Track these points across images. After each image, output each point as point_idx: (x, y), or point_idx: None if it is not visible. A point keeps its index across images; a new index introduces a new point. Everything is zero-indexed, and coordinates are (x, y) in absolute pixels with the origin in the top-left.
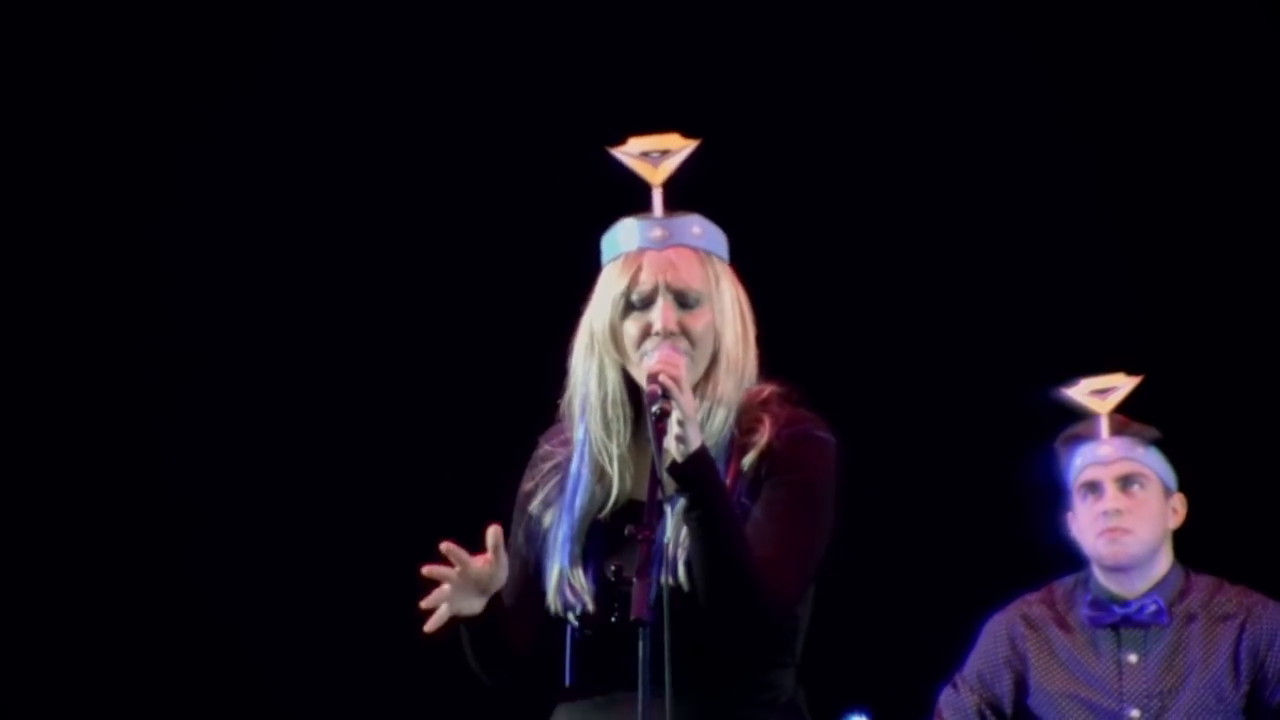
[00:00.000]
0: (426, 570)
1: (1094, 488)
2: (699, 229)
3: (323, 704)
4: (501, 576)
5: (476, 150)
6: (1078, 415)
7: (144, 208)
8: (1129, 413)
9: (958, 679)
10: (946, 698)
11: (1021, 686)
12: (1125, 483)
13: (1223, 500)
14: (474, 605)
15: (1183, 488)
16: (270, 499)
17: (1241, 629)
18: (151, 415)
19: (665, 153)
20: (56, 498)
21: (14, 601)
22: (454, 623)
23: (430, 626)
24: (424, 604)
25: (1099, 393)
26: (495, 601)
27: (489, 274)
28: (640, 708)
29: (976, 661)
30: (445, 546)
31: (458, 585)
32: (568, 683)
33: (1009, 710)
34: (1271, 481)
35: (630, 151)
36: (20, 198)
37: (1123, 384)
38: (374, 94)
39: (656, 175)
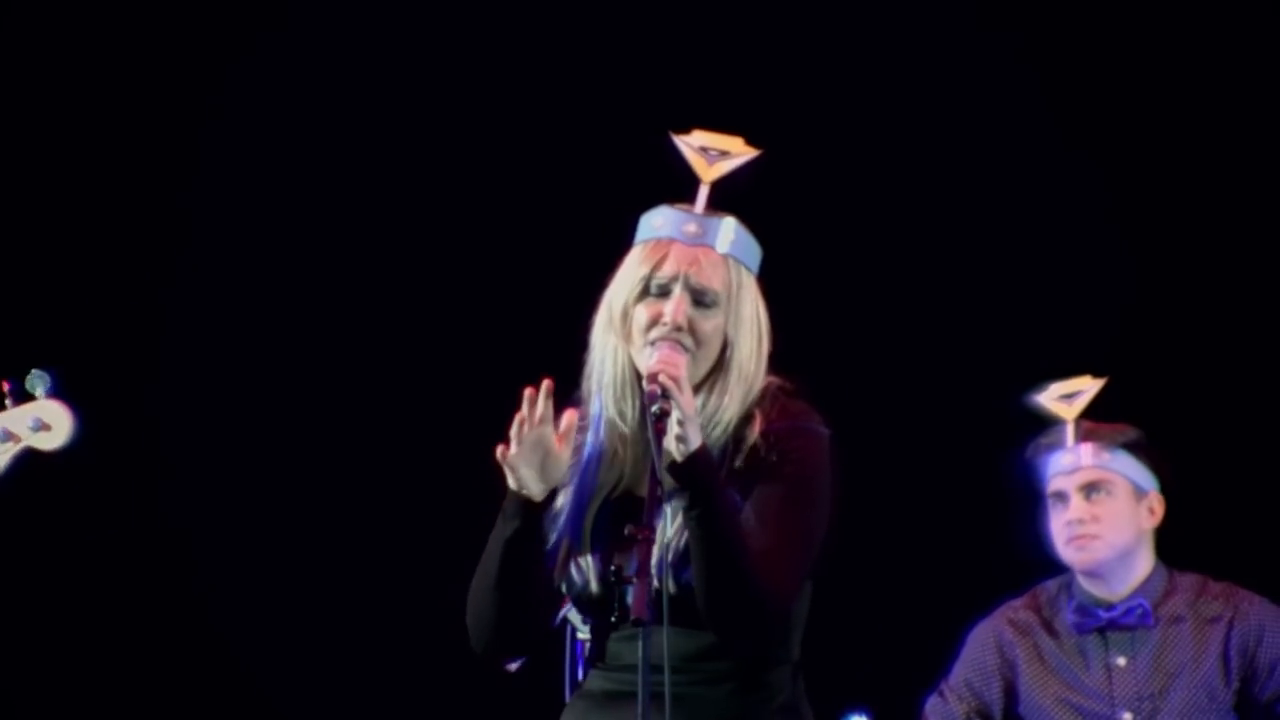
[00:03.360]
0: (528, 391)
1: (1061, 497)
2: (733, 235)
3: (323, 706)
4: (562, 467)
5: (525, 130)
6: (1051, 421)
7: (146, 200)
8: (1114, 413)
9: (944, 688)
10: (934, 706)
11: (1011, 694)
12: (1089, 491)
13: (1206, 498)
14: (533, 479)
15: (1164, 486)
16: (272, 500)
17: (1230, 627)
18: (151, 414)
19: (724, 153)
20: (56, 502)
21: (14, 604)
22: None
23: (502, 451)
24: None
25: (1066, 398)
26: (548, 502)
27: (516, 254)
28: (640, 708)
29: (965, 670)
30: (546, 384)
31: (533, 439)
32: (569, 681)
33: (998, 718)
34: (1256, 479)
35: (690, 143)
36: (20, 197)
37: (1088, 387)
38: (406, 78)
39: (709, 173)
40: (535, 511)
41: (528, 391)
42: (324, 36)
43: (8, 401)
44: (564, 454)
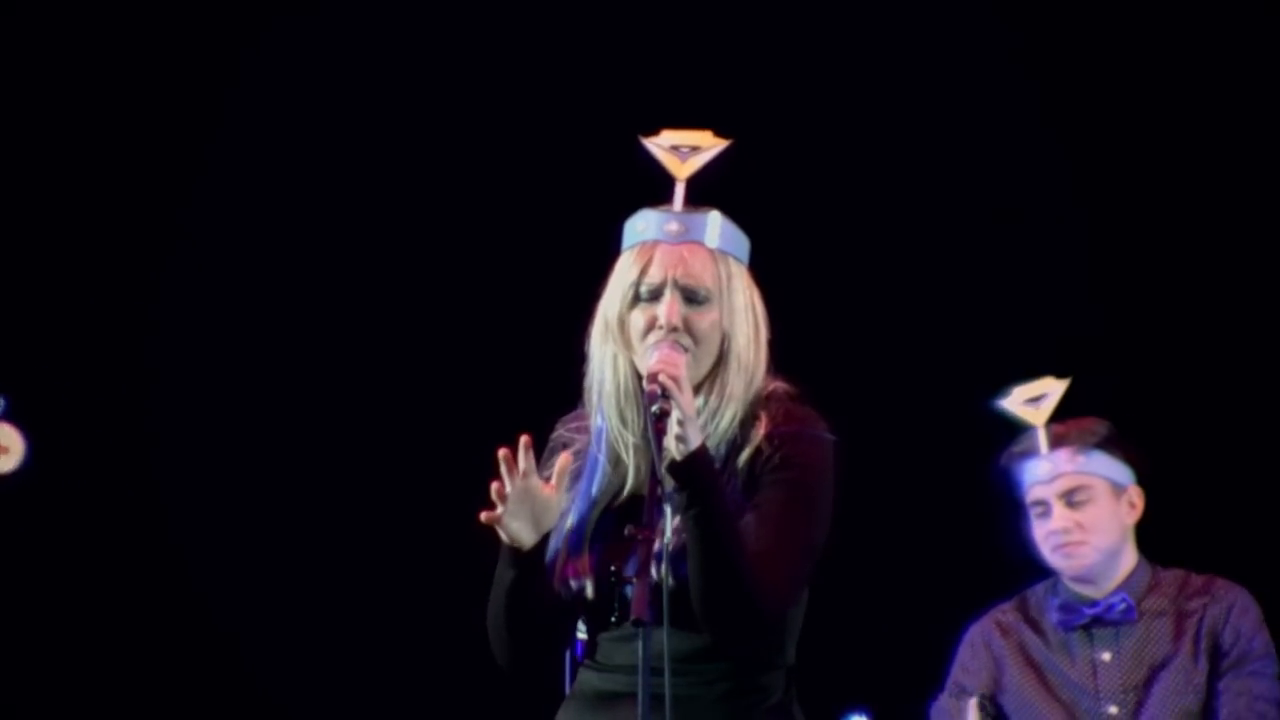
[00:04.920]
0: (503, 453)
1: (1042, 506)
2: (717, 228)
3: (324, 706)
4: (554, 513)
5: (502, 136)
6: (1022, 427)
7: (146, 204)
8: (1099, 408)
9: (941, 698)
10: (933, 715)
11: (1001, 694)
12: (1070, 498)
13: (1188, 492)
14: (525, 531)
15: (1141, 477)
16: (273, 498)
17: (1204, 611)
18: (149, 413)
19: (695, 149)
20: (55, 500)
21: (13, 603)
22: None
23: (486, 517)
24: (494, 490)
25: (1032, 401)
26: (543, 544)
27: (503, 262)
28: (640, 709)
29: (957, 673)
30: (524, 440)
31: (518, 493)
32: (568, 681)
33: None
34: (1238, 473)
35: (660, 143)
36: (18, 199)
37: (1053, 389)
38: (394, 82)
39: (682, 170)
40: (529, 558)
41: (502, 453)
42: (305, 49)
43: None
44: (557, 498)
